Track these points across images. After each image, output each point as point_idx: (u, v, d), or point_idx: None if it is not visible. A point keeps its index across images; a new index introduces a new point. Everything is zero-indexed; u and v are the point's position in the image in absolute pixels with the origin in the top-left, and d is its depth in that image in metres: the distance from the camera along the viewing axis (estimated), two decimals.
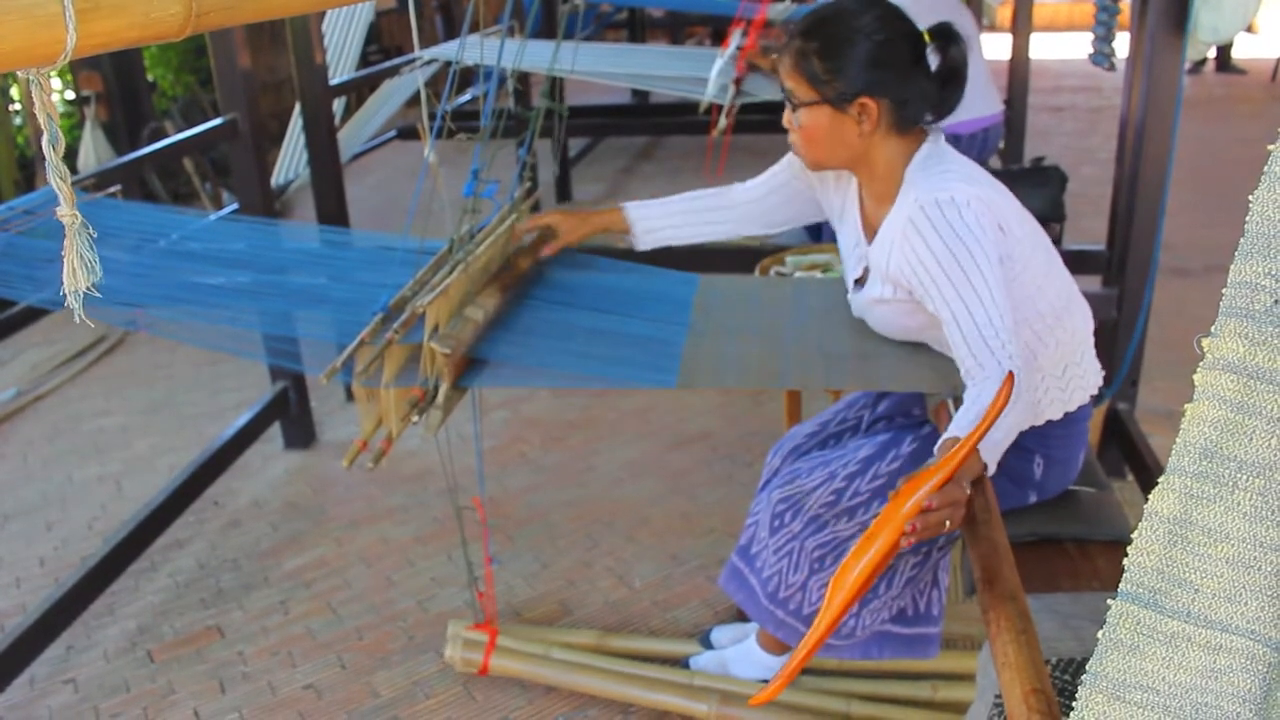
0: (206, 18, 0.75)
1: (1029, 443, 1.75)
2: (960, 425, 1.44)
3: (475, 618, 2.35)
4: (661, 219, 2.01)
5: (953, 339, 1.55)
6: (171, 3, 0.72)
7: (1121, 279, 2.88)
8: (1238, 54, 9.61)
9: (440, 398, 1.64)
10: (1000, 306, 1.52)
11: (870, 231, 1.76)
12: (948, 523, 1.28)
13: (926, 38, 1.65)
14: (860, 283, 1.79)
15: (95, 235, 0.74)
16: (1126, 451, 2.92)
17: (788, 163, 1.93)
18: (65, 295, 0.74)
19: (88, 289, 0.75)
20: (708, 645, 2.30)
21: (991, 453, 1.45)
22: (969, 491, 1.33)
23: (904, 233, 1.59)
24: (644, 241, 2.02)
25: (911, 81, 1.62)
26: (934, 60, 1.67)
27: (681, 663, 2.27)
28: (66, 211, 0.72)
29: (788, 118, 1.69)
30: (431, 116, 1.98)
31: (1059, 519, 1.85)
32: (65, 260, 0.73)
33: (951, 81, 1.67)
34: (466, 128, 2.12)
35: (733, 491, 3.06)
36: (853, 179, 1.80)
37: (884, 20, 1.61)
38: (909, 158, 1.66)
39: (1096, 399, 2.91)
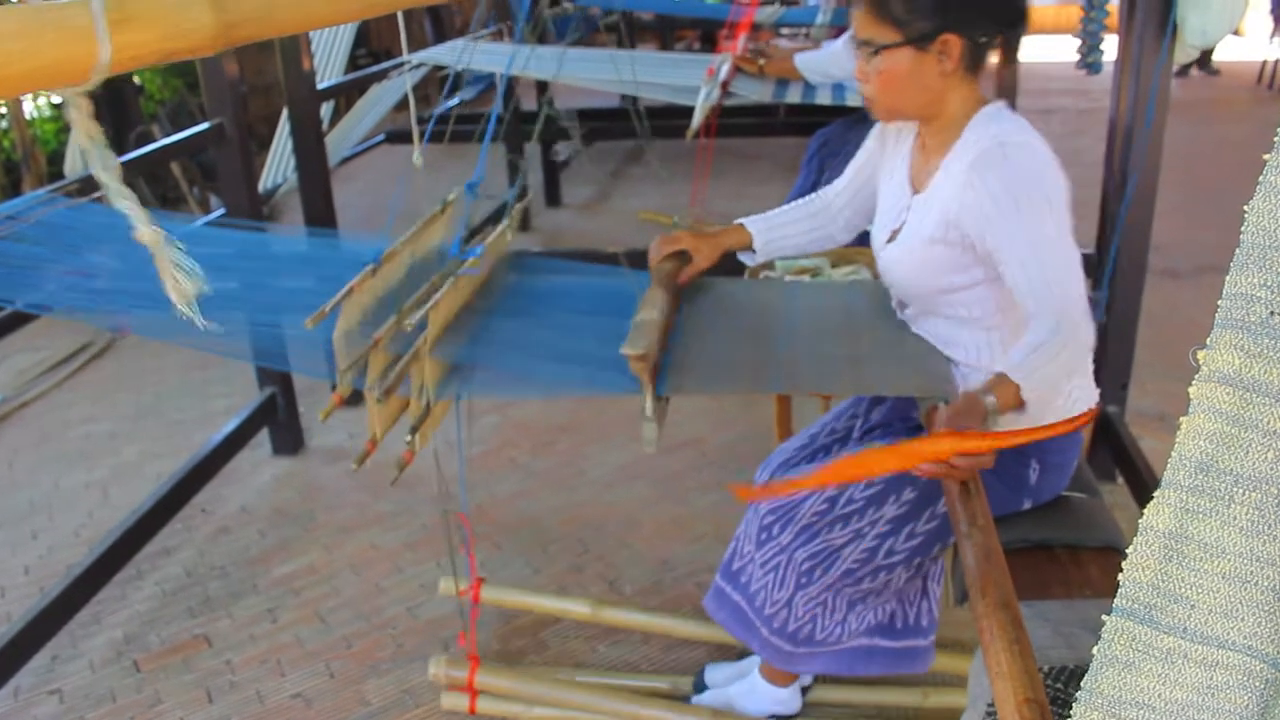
0: (238, 29, 0.75)
1: (1026, 447, 1.74)
2: (1009, 362, 1.50)
3: (463, 624, 2.33)
4: (778, 229, 2.02)
5: (1015, 282, 1.58)
6: (202, 14, 0.72)
7: (1111, 282, 2.88)
8: (1220, 56, 9.61)
9: (649, 409, 1.62)
10: (1066, 249, 1.56)
11: (918, 184, 1.77)
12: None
13: None
14: (895, 236, 1.79)
15: (184, 249, 0.73)
16: (1117, 454, 2.92)
17: (866, 148, 1.95)
18: (179, 309, 0.74)
19: (196, 296, 0.74)
20: (702, 687, 2.23)
21: (1032, 387, 1.50)
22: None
23: (973, 167, 1.60)
24: (763, 252, 2.03)
25: (983, 19, 1.64)
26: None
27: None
28: (146, 233, 0.71)
29: (861, 69, 1.69)
30: (421, 121, 1.97)
31: (1050, 525, 1.84)
32: (162, 279, 0.72)
33: (1017, 24, 1.68)
34: (464, 132, 2.11)
35: (724, 496, 3.05)
36: (910, 134, 1.81)
37: None
38: (976, 110, 1.68)
39: None
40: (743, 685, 2.14)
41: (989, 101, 1.69)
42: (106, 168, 0.74)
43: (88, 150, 0.74)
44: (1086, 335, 1.57)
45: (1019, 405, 1.50)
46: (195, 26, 0.73)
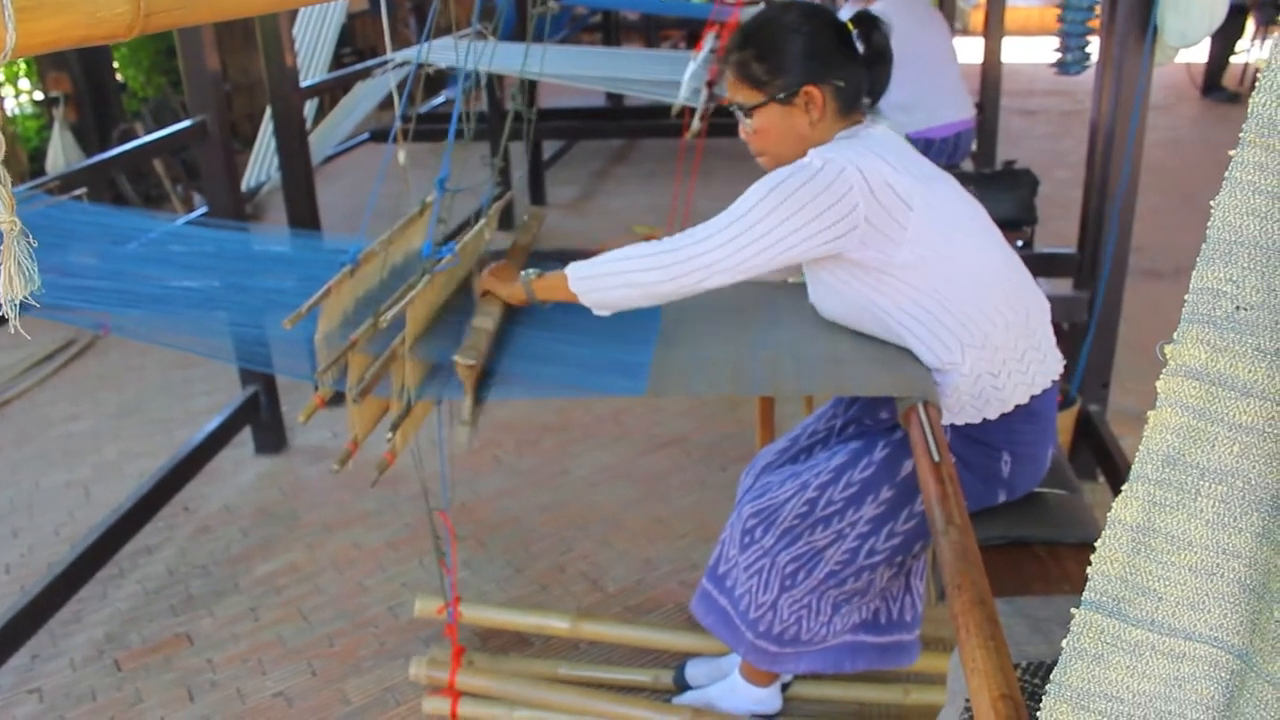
0: (156, 17, 0.74)
1: (996, 439, 1.75)
2: (581, 262, 1.73)
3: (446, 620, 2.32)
4: None
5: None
6: (118, 2, 0.71)
7: (1092, 281, 2.89)
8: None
9: (466, 413, 1.65)
10: (745, 232, 1.61)
11: None
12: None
13: (850, 26, 1.74)
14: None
15: (35, 244, 0.71)
16: (1098, 453, 2.93)
17: None
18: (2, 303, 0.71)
19: (26, 298, 0.72)
20: (682, 682, 2.24)
21: (582, 280, 1.71)
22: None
23: None
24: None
25: (845, 65, 1.70)
26: (860, 46, 1.74)
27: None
28: (5, 217, 0.69)
29: (742, 130, 1.76)
30: (404, 119, 1.97)
31: (1029, 521, 1.85)
32: (2, 268, 0.69)
33: (878, 63, 1.76)
34: (435, 131, 2.11)
35: (706, 496, 3.05)
36: None
37: (806, 14, 1.71)
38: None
39: (1067, 401, 2.92)
40: (723, 685, 2.14)
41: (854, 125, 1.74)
42: None
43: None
44: (672, 285, 1.67)
45: (566, 295, 1.73)
46: (110, 15, 0.72)
